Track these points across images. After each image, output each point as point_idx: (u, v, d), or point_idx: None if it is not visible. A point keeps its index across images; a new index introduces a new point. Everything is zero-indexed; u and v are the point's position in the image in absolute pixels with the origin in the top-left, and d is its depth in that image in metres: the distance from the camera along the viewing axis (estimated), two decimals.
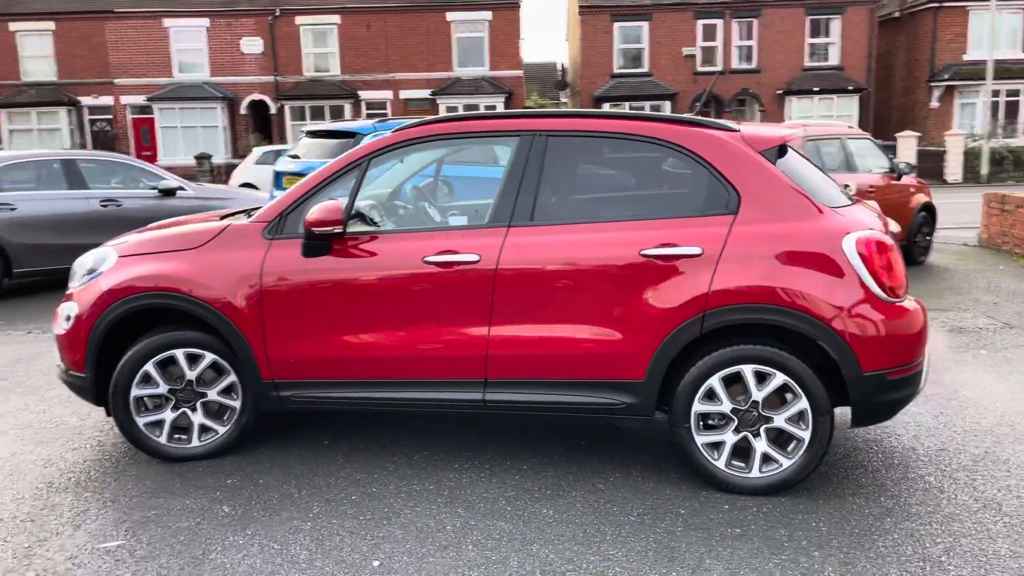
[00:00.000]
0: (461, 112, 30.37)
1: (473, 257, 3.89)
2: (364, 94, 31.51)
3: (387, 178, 5.28)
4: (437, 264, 3.92)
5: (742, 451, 3.86)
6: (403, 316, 3.99)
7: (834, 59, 31.77)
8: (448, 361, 3.98)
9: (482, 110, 31.10)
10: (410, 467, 4.20)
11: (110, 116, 32.21)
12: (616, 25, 31.65)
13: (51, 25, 31.60)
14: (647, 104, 31.40)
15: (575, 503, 3.78)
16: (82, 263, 4.44)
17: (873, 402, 3.76)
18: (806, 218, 3.78)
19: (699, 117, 4.08)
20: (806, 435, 3.77)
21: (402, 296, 3.98)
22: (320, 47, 31.68)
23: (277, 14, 31.23)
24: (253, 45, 31.38)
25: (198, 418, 4.26)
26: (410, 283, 3.96)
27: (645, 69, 31.87)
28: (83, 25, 31.63)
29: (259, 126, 32.11)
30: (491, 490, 3.93)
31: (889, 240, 3.81)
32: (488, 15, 31.41)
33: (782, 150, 4.04)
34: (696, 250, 3.75)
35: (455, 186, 6.10)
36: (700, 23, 31.56)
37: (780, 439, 3.82)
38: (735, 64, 31.77)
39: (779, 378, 3.74)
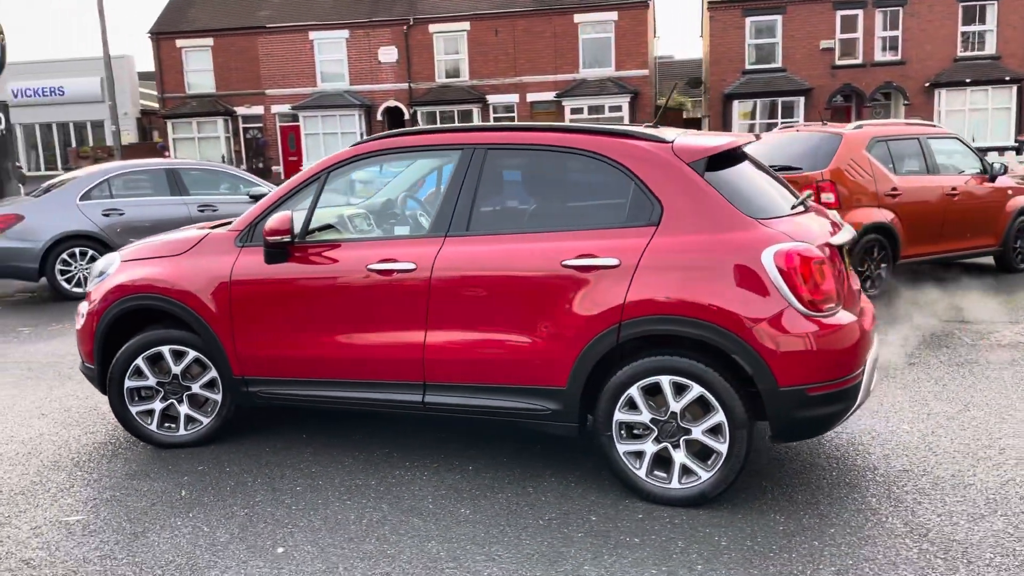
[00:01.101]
0: (582, 115, 30.42)
1: (410, 265, 4.09)
2: (492, 98, 32.21)
3: (391, 187, 5.60)
4: (378, 272, 4.15)
5: (665, 461, 3.86)
6: (350, 320, 4.24)
7: (990, 48, 29.50)
8: (390, 364, 4.20)
9: (607, 111, 31.09)
10: (366, 463, 4.46)
11: (261, 124, 34.54)
12: (748, 20, 30.74)
13: (210, 41, 34.27)
14: (780, 100, 30.36)
15: (496, 504, 3.92)
16: (97, 266, 4.98)
17: (792, 418, 3.67)
18: (728, 230, 3.73)
19: (633, 128, 4.09)
20: (723, 448, 3.73)
21: (349, 301, 4.24)
22: (451, 53, 32.68)
23: (412, 23, 32.47)
24: (389, 54, 32.78)
25: (184, 409, 4.70)
26: (355, 289, 4.21)
27: (778, 64, 30.77)
28: (239, 40, 34.09)
29: None
30: (425, 488, 4.12)
31: (816, 253, 3.70)
32: (614, 15, 31.34)
33: (721, 159, 4.00)
34: (613, 261, 3.79)
35: None
36: (839, 14, 30.13)
37: (702, 451, 3.80)
38: (877, 56, 30.11)
39: (696, 390, 3.72)
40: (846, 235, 4.16)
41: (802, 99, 30.29)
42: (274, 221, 4.22)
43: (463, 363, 4.07)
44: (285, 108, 33.62)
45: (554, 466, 4.33)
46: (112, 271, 4.80)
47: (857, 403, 3.80)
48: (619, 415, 3.86)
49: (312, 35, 33.40)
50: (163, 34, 34.69)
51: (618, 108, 31.35)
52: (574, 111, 31.53)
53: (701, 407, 3.76)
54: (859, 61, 30.15)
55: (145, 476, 4.37)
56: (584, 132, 4.08)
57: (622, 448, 3.89)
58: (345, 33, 33.19)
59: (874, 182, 8.30)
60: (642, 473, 3.87)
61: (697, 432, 3.76)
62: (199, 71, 34.78)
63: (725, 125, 30.78)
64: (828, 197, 8.13)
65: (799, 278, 3.62)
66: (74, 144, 39.38)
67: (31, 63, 39.54)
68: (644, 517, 3.74)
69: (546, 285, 3.89)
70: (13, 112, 40.64)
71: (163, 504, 4.03)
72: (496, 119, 32.31)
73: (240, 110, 34.39)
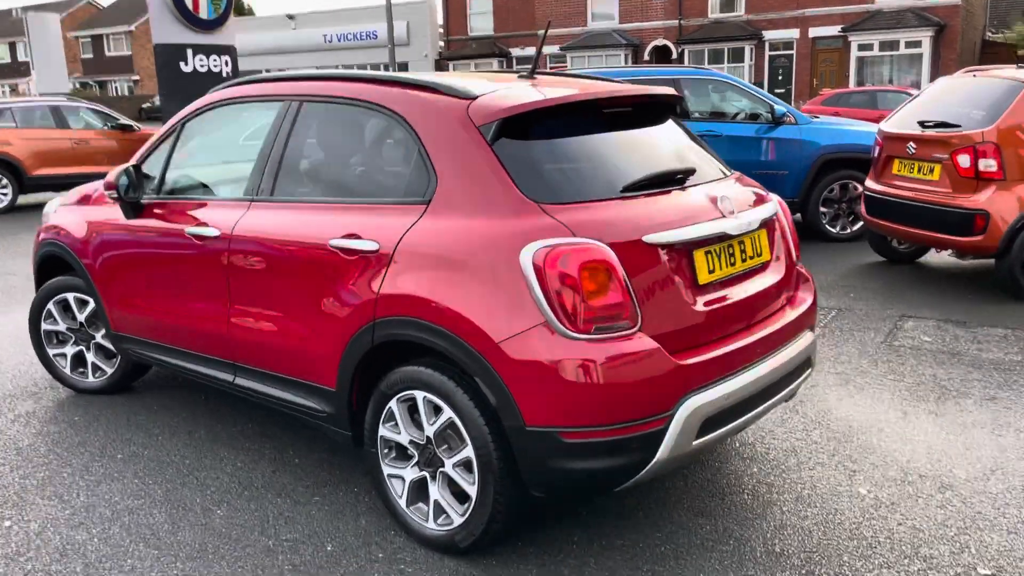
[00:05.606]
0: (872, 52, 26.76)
1: (214, 232, 3.67)
2: (768, 34, 29.56)
3: None
4: (195, 236, 3.78)
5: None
6: (179, 286, 3.92)
7: None
8: (207, 338, 3.83)
9: (902, 47, 27.30)
10: (227, 441, 4.13)
11: (530, 66, 34.88)
12: None
13: None
14: None
15: (244, 501, 3.46)
16: (46, 209, 5.12)
17: (546, 468, 2.76)
18: (495, 216, 2.84)
19: (437, 79, 3.24)
20: (473, 491, 2.93)
21: (176, 265, 3.93)
22: None
23: None
24: None
25: (91, 357, 4.74)
26: (180, 253, 3.88)
27: None
28: None
29: None
30: (221, 473, 3.75)
31: (598, 254, 2.67)
32: None
33: (532, 121, 3.03)
34: (373, 246, 3.07)
35: None
36: None
37: (463, 491, 3.02)
38: None
39: (447, 414, 2.94)
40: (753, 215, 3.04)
41: None
42: (109, 175, 4.02)
43: (259, 346, 3.60)
44: (555, 49, 33.62)
45: (355, 475, 3.73)
46: (52, 213, 4.91)
47: (657, 460, 2.76)
48: (383, 430, 3.19)
49: None
50: None
51: (916, 44, 27.23)
52: (862, 47, 27.97)
53: (457, 436, 2.97)
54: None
55: (29, 419, 4.47)
56: (383, 82, 3.33)
57: (386, 470, 3.22)
58: None
59: None
60: (403, 503, 3.18)
61: (448, 466, 2.99)
62: (480, 14, 35.90)
63: None
64: (988, 165, 6.24)
65: (560, 285, 2.66)
66: None
67: (351, 9, 43.33)
68: (333, 549, 3.08)
69: (318, 267, 3.27)
70: (338, 55, 44.80)
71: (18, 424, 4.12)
72: (772, 58, 29.70)
73: (514, 51, 35.05)
